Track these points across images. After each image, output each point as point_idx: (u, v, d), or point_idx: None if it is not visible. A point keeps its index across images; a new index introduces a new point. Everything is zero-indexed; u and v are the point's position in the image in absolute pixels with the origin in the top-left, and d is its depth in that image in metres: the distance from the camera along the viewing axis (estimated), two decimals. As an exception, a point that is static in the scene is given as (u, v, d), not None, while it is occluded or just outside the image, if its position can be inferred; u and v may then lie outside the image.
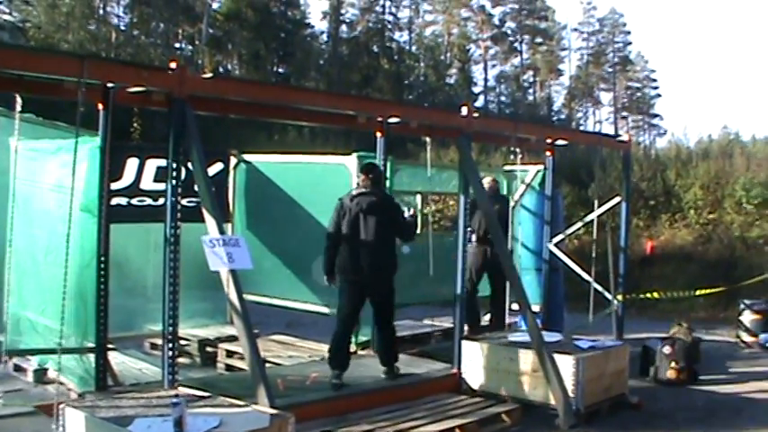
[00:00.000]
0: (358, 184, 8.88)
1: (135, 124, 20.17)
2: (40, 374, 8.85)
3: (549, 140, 11.82)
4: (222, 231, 6.57)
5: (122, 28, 45.77)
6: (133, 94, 7.15)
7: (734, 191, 21.75)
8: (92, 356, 7.59)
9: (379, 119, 9.45)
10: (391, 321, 8.84)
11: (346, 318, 8.70)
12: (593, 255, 11.43)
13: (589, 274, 11.62)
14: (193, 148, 6.77)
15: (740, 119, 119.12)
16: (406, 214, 9.02)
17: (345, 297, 8.67)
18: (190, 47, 49.19)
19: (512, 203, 12.22)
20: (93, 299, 7.48)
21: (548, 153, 11.95)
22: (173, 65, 6.91)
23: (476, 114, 9.72)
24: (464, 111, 9.37)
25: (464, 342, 9.12)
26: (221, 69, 45.03)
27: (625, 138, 12.80)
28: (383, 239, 8.50)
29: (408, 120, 9.62)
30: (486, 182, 11.22)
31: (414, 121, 9.71)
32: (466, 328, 10.20)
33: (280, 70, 51.93)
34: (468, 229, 10.71)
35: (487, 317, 12.04)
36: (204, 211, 6.65)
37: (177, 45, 48.96)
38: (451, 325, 9.98)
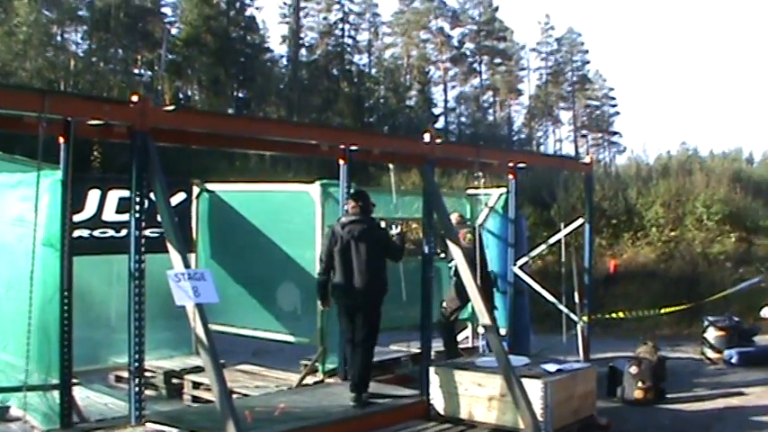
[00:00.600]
0: (346, 211, 9.09)
1: (95, 153, 20.01)
2: (4, 412, 8.68)
3: (511, 164, 11.88)
4: (187, 265, 6.52)
5: (81, 54, 45.46)
6: (94, 127, 7.10)
7: (694, 208, 21.99)
8: (56, 393, 7.49)
9: (342, 146, 9.45)
10: (373, 346, 8.98)
11: (351, 341, 8.92)
12: (561, 276, 11.49)
13: (554, 296, 11.66)
14: (156, 182, 6.73)
15: (698, 134, 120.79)
16: (394, 232, 9.32)
17: (344, 321, 8.97)
18: (149, 73, 49.03)
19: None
20: (56, 334, 7.38)
21: (510, 176, 12.00)
22: (134, 98, 6.88)
23: (438, 140, 9.74)
24: (427, 137, 9.41)
25: (431, 368, 9.11)
26: (181, 95, 44.89)
27: (587, 160, 12.87)
28: (374, 264, 8.72)
29: (371, 147, 9.66)
30: (454, 218, 11.24)
31: (376, 148, 9.75)
32: (433, 352, 10.23)
33: (240, 95, 51.88)
34: (452, 262, 10.76)
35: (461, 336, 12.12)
36: (169, 246, 6.59)
37: (136, 71, 48.81)
38: (419, 350, 9.97)
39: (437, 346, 10.77)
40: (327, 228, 9.14)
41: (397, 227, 9.53)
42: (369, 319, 8.81)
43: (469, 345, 12.10)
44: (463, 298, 10.90)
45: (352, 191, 9.53)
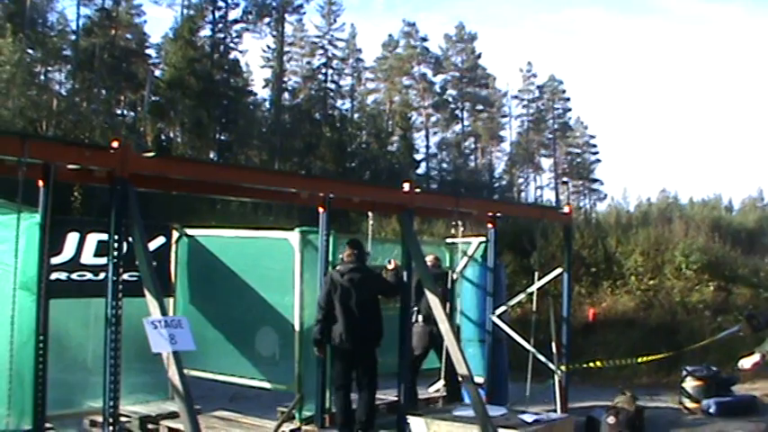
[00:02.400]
0: (342, 259, 9.47)
1: (75, 194, 19.99)
2: (-25, 457, 8.60)
3: (490, 213, 11.92)
4: (164, 312, 6.50)
5: (64, 94, 45.50)
6: (74, 171, 7.08)
7: (673, 256, 22.04)
8: (29, 439, 7.41)
9: (321, 195, 9.50)
10: (376, 388, 9.44)
11: (345, 386, 9.32)
12: (535, 325, 11.48)
13: (533, 345, 11.64)
14: (135, 228, 6.71)
15: (679, 181, 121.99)
16: (390, 267, 9.73)
17: (339, 367, 9.31)
18: (132, 114, 49.15)
19: (454, 276, 12.23)
20: (30, 378, 7.31)
21: (489, 225, 12.02)
22: (115, 144, 6.88)
23: (417, 190, 9.80)
24: (406, 187, 9.47)
25: (409, 417, 9.06)
26: (164, 137, 44.90)
27: (566, 209, 12.92)
28: (372, 311, 9.25)
29: (350, 196, 9.75)
30: (429, 260, 11.30)
31: (355, 196, 9.82)
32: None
33: (222, 138, 52.01)
34: (414, 308, 10.76)
35: (432, 389, 12.05)
36: (146, 292, 6.57)
37: (119, 112, 48.89)
38: (395, 398, 9.93)
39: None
40: (325, 276, 9.48)
41: (391, 263, 9.82)
42: (369, 363, 9.26)
43: (444, 394, 12.03)
44: (421, 345, 10.95)
45: (347, 240, 9.82)
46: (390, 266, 9.76)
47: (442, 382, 12.02)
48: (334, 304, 9.12)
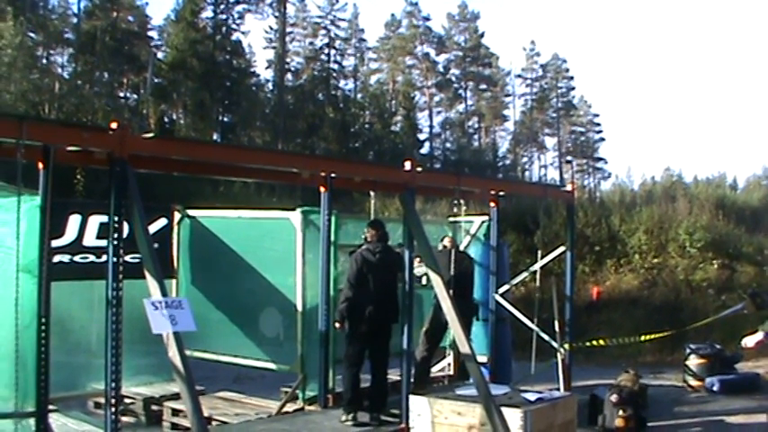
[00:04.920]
0: (365, 239, 9.47)
1: (78, 176, 19.98)
2: (-22, 439, 8.61)
3: (492, 192, 11.89)
4: (165, 293, 6.48)
5: (66, 77, 45.38)
6: (74, 153, 7.05)
7: (677, 235, 22.04)
8: (32, 420, 7.41)
9: (323, 174, 9.46)
10: (387, 367, 9.44)
11: (359, 364, 9.27)
12: (539, 303, 11.47)
13: (535, 323, 11.64)
14: (135, 210, 6.69)
15: (683, 159, 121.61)
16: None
17: (356, 346, 9.25)
18: (134, 96, 49.04)
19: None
20: (33, 361, 7.31)
21: (492, 204, 11.99)
22: (113, 125, 6.84)
23: (419, 168, 9.76)
24: (408, 166, 9.42)
25: (411, 396, 9.05)
26: (166, 119, 44.82)
27: (569, 188, 12.87)
28: (395, 289, 9.31)
29: (352, 175, 9.72)
30: (447, 240, 11.30)
31: (357, 176, 9.79)
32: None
33: (225, 119, 51.94)
34: None
35: (437, 367, 12.06)
36: (146, 273, 6.55)
37: (122, 95, 48.80)
38: (398, 378, 9.92)
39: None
40: (355, 254, 9.40)
41: (402, 245, 9.86)
42: (386, 341, 9.30)
43: (451, 373, 12.04)
44: (435, 324, 10.88)
45: (370, 220, 9.95)
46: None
47: (447, 360, 12.08)
48: (366, 282, 9.10)
